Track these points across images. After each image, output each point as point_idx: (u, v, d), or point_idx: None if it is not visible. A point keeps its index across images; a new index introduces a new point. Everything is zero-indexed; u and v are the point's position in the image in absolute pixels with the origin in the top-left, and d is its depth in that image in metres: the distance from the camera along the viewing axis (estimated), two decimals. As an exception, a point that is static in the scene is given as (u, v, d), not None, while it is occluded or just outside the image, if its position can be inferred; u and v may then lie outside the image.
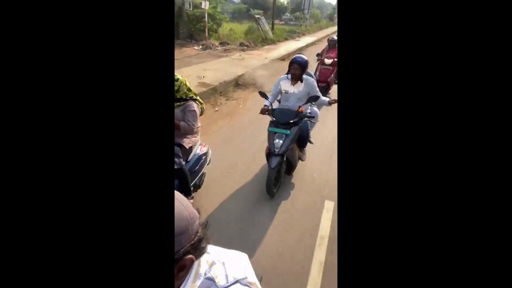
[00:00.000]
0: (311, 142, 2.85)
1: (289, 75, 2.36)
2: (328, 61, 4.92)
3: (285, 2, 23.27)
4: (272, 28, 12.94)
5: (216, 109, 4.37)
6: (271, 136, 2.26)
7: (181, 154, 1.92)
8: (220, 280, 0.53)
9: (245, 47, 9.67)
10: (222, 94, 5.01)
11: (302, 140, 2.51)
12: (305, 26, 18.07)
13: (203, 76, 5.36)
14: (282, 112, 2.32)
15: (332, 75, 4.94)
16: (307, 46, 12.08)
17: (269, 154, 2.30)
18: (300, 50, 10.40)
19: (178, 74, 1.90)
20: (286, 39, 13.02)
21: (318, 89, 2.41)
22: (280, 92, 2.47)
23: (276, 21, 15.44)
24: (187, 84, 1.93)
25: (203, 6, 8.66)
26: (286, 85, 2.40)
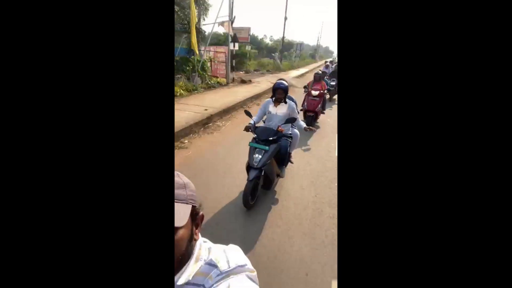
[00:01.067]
0: (291, 162, 3.12)
1: (273, 99, 2.76)
2: (314, 92, 5.41)
3: (272, 43, 30.98)
4: (281, 62, 19.71)
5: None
6: (251, 150, 2.48)
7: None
8: (222, 265, 0.53)
9: (270, 73, 15.99)
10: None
11: (281, 158, 2.77)
12: (297, 62, 25.46)
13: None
14: (263, 130, 2.58)
15: (319, 106, 5.40)
16: (304, 73, 18.70)
17: (249, 167, 2.47)
18: (301, 75, 16.83)
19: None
20: (289, 69, 19.80)
21: (297, 112, 2.79)
22: (264, 113, 2.83)
23: (266, 58, 22.44)
24: None
25: (234, 47, 13.48)
26: (271, 107, 2.78)
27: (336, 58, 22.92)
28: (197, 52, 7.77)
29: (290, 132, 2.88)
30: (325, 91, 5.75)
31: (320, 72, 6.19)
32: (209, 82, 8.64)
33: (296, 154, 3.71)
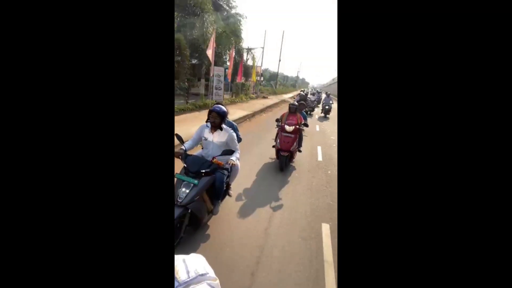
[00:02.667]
0: (229, 195, 2.70)
1: (209, 123, 2.36)
2: (289, 128, 4.33)
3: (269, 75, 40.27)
4: (276, 87, 28.14)
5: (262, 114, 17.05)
6: (178, 184, 2.07)
7: None
8: (181, 276, 0.50)
9: (267, 96, 24.06)
10: (267, 109, 18.59)
11: (216, 192, 2.31)
12: (284, 89, 34.43)
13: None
14: (194, 160, 2.19)
15: (295, 144, 4.37)
16: (294, 95, 26.85)
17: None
18: (291, 97, 24.95)
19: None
20: (281, 93, 28.24)
21: (236, 143, 2.45)
22: (200, 139, 2.47)
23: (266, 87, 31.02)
24: None
25: (260, 78, 22.82)
26: (206, 133, 2.41)
27: (310, 89, 29.81)
28: (255, 80, 15.51)
29: (228, 165, 2.39)
30: (302, 126, 4.51)
31: (296, 103, 4.96)
32: (251, 96, 16.30)
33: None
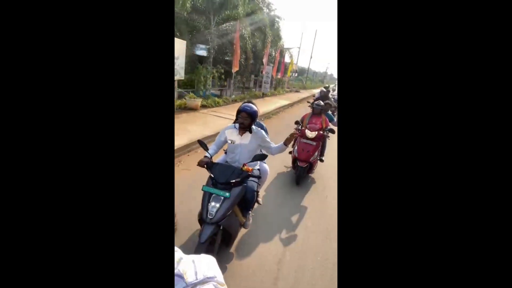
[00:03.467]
0: (259, 203, 2.35)
1: (237, 124, 2.07)
2: (310, 134, 3.39)
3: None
4: (305, 83, 30.18)
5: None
6: (206, 197, 1.78)
7: None
8: (189, 277, 0.50)
9: (299, 90, 26.23)
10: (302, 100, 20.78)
11: (247, 203, 2.01)
12: (312, 84, 36.21)
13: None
14: (223, 169, 1.88)
15: (316, 153, 3.45)
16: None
17: (201, 220, 1.77)
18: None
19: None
20: (311, 88, 30.22)
21: (269, 140, 2.11)
22: (224, 142, 2.15)
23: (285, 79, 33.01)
24: None
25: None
26: (233, 135, 2.10)
27: (336, 85, 29.66)
28: (289, 75, 17.96)
29: (257, 167, 2.17)
30: (327, 132, 3.53)
31: (322, 103, 3.83)
32: (285, 90, 18.79)
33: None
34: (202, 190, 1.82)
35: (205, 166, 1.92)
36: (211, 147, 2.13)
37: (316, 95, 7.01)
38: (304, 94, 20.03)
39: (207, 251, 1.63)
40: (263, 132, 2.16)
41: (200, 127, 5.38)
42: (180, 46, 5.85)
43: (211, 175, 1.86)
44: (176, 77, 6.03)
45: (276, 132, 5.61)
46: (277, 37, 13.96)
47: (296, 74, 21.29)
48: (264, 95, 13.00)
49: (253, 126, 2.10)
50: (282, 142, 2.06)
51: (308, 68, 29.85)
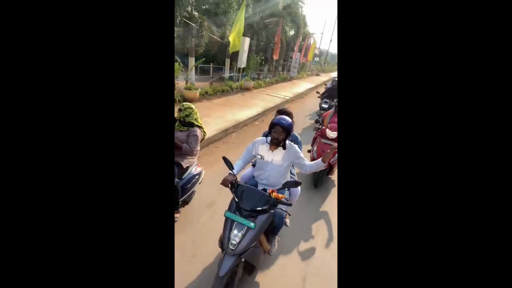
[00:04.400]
0: (286, 225, 2.10)
1: (268, 138, 1.82)
2: (332, 134, 3.17)
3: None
4: (324, 66, 31.41)
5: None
6: (227, 224, 1.55)
7: (176, 173, 2.13)
8: None
9: (319, 73, 27.66)
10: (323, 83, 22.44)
11: (274, 229, 1.77)
12: (330, 67, 37.19)
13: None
14: (249, 193, 1.62)
15: (337, 155, 2.98)
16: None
17: (222, 248, 1.56)
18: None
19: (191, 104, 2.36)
20: (329, 71, 31.46)
21: (302, 156, 1.83)
22: (253, 157, 1.90)
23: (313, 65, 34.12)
24: (197, 114, 2.27)
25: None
26: (263, 150, 1.83)
27: None
28: (311, 59, 19.63)
29: (287, 197, 1.89)
30: None
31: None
32: (307, 73, 20.56)
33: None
34: (224, 216, 1.58)
35: (229, 186, 1.66)
36: (237, 163, 1.84)
37: (328, 85, 6.38)
38: (324, 77, 21.69)
39: (227, 285, 1.50)
40: (297, 147, 1.87)
41: (262, 102, 7.62)
42: (246, 43, 7.99)
43: (236, 198, 1.62)
44: (242, 66, 8.23)
45: (310, 109, 7.72)
46: (304, 25, 15.57)
47: (318, 58, 22.78)
48: (291, 78, 14.96)
49: (287, 141, 1.80)
50: (320, 160, 1.73)
51: (327, 52, 30.89)
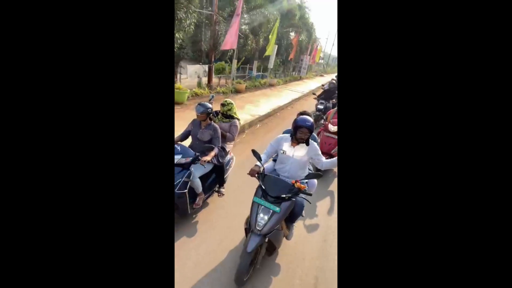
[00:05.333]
0: (302, 215, 2.22)
1: (290, 134, 2.04)
2: (333, 128, 3.80)
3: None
4: (325, 68, 33.91)
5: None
6: (254, 208, 1.81)
7: (224, 154, 2.62)
8: None
9: (323, 74, 30.17)
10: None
11: (293, 216, 2.02)
12: (330, 69, 39.79)
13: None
14: (275, 182, 1.88)
15: (337, 147, 3.69)
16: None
17: (248, 229, 1.88)
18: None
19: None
20: (330, 73, 34.02)
21: (320, 154, 2.04)
22: (276, 152, 2.12)
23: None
24: (235, 108, 2.73)
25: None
26: (286, 146, 2.04)
27: None
28: (317, 61, 22.07)
29: (306, 182, 2.11)
30: None
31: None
32: (312, 74, 22.99)
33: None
34: (253, 200, 1.83)
35: (256, 175, 1.89)
36: (262, 156, 2.00)
37: (325, 86, 6.73)
38: (327, 78, 24.12)
39: (251, 262, 1.79)
40: (316, 145, 2.04)
41: (287, 95, 9.97)
42: (275, 49, 10.33)
43: (262, 186, 1.83)
44: (271, 67, 10.56)
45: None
46: (314, 31, 17.95)
47: (322, 61, 25.24)
48: (301, 78, 17.34)
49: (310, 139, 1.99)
50: (335, 158, 1.96)
51: (330, 54, 33.37)
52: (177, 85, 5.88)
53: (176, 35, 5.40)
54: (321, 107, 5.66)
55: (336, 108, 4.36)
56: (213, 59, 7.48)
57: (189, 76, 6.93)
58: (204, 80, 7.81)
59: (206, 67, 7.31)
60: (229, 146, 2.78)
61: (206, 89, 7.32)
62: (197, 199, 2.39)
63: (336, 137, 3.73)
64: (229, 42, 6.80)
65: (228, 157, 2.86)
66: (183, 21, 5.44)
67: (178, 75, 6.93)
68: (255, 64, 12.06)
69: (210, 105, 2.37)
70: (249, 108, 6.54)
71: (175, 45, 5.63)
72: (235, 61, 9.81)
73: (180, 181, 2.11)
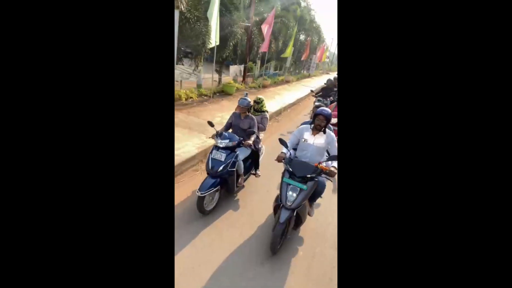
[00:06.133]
0: (321, 197, 2.60)
1: (311, 125, 2.35)
2: (334, 120, 4.03)
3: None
4: (329, 66, 35.75)
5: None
6: (284, 187, 2.18)
7: (259, 141, 3.16)
8: None
9: (328, 72, 32.02)
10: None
11: (315, 195, 2.39)
12: (334, 67, 41.59)
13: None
14: (300, 164, 2.23)
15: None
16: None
17: (278, 206, 2.24)
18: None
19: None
20: (334, 71, 35.85)
21: (336, 145, 2.32)
22: (298, 140, 2.44)
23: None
24: (265, 104, 3.29)
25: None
26: (307, 134, 2.38)
27: None
28: (324, 60, 24.03)
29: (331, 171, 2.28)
30: None
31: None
32: (319, 72, 24.94)
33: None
34: (282, 181, 2.20)
35: (283, 160, 2.26)
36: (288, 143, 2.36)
37: (323, 85, 7.11)
38: (331, 75, 25.99)
39: (282, 233, 2.18)
40: (334, 135, 2.35)
41: (302, 89, 11.93)
42: (291, 51, 12.29)
43: (289, 168, 2.19)
44: (288, 65, 12.49)
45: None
46: (321, 33, 19.84)
47: (328, 59, 27.16)
48: (309, 75, 19.28)
49: (326, 129, 2.32)
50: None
51: (334, 53, 35.18)
52: (229, 80, 7.88)
53: (230, 43, 7.39)
54: (318, 103, 6.23)
55: (336, 103, 4.90)
56: (247, 61, 9.43)
57: (230, 75, 8.85)
58: (239, 78, 9.77)
59: (241, 67, 9.24)
60: (261, 135, 3.33)
61: (243, 84, 9.26)
62: (240, 179, 2.89)
63: (337, 128, 4.00)
64: (264, 46, 8.88)
65: (260, 144, 3.34)
66: (233, 32, 7.38)
67: (222, 74, 8.91)
68: (273, 63, 14.02)
69: (250, 100, 2.93)
70: (277, 98, 8.51)
71: (227, 50, 7.57)
72: (259, 62, 11.79)
73: (230, 161, 2.58)
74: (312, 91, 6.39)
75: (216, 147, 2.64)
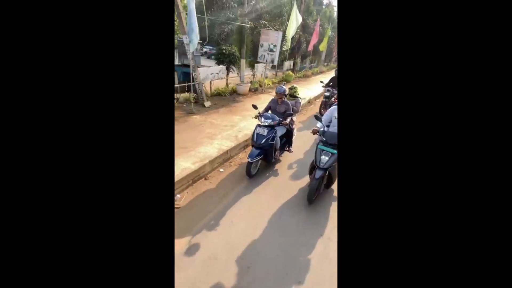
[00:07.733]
0: None
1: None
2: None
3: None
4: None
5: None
6: (318, 152, 2.77)
7: (293, 122, 3.64)
8: None
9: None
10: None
11: None
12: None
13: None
14: (332, 134, 2.81)
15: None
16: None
17: (313, 168, 2.86)
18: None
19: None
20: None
21: None
22: (330, 119, 3.01)
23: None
24: (298, 90, 3.83)
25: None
26: (337, 113, 2.87)
27: None
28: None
29: None
30: None
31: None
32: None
33: None
34: (317, 148, 2.80)
35: (318, 133, 2.87)
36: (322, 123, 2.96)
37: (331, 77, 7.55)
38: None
39: (316, 189, 2.77)
40: None
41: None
42: (325, 46, 15.08)
43: (323, 138, 2.80)
44: (322, 58, 15.32)
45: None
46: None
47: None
48: (333, 67, 21.92)
49: None
50: None
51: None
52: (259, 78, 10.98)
53: (285, 47, 10.30)
54: (327, 94, 6.33)
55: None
56: (296, 57, 12.40)
57: (284, 68, 11.69)
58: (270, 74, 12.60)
59: (291, 62, 12.20)
60: (295, 116, 3.77)
61: (294, 74, 12.20)
62: (276, 153, 3.45)
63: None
64: (310, 46, 11.95)
65: (294, 125, 3.81)
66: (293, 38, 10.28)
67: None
68: (309, 58, 16.86)
69: (285, 88, 3.52)
70: (317, 83, 11.24)
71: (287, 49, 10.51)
72: (299, 58, 14.73)
73: (270, 136, 3.18)
74: (322, 82, 6.58)
75: (259, 125, 3.32)
